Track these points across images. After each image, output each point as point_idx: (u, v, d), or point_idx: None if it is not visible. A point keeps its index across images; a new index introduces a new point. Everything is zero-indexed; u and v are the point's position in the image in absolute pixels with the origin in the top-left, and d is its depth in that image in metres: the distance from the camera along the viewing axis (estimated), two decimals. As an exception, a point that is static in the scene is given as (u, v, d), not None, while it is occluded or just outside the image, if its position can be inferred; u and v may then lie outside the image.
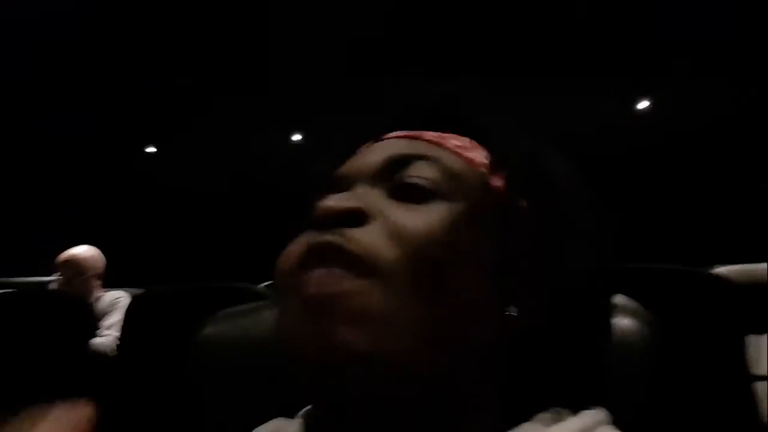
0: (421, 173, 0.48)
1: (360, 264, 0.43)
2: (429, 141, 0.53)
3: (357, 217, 0.45)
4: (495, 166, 0.51)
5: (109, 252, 3.24)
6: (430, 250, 0.43)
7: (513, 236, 0.48)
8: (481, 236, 0.47)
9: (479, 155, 0.52)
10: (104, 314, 2.90)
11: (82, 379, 2.10)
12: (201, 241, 7.69)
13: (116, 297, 3.04)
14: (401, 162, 0.50)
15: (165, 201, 7.95)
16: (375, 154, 0.52)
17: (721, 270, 2.01)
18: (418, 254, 0.43)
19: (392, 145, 0.53)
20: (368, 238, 0.44)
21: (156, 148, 7.43)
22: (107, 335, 2.67)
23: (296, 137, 7.11)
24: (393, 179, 0.49)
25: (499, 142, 0.54)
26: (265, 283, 2.62)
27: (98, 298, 3.02)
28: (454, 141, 0.53)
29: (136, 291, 3.30)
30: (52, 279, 3.39)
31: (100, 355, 2.38)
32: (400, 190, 0.48)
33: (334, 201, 0.45)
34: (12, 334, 1.79)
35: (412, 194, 0.48)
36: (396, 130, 0.56)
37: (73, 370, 2.01)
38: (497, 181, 0.51)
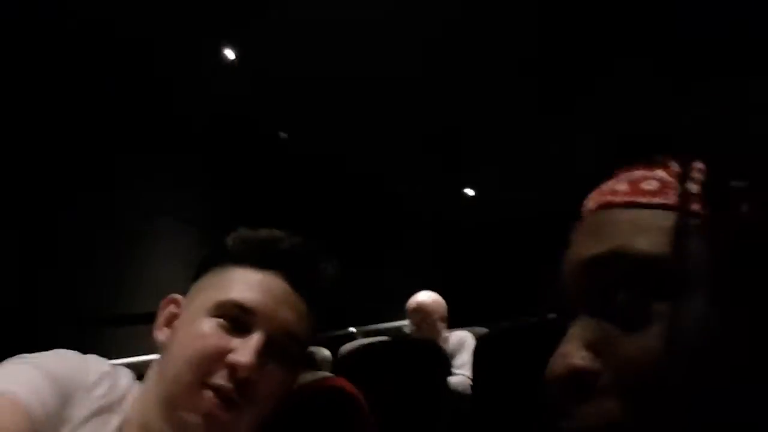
0: (626, 294, 0.45)
1: None
2: (622, 205, 0.49)
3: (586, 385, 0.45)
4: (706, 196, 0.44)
5: (446, 292, 3.49)
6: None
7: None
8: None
9: (672, 187, 0.47)
10: (453, 355, 3.10)
11: (444, 421, 2.25)
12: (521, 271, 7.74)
13: (462, 337, 3.23)
14: (599, 271, 0.47)
15: (488, 236, 8.24)
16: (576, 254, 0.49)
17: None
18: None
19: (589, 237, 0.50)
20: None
21: (474, 191, 7.82)
22: (460, 375, 2.85)
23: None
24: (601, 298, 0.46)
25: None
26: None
27: (445, 339, 3.24)
28: (645, 185, 0.49)
29: (479, 329, 3.46)
30: (404, 324, 3.74)
31: (457, 395, 2.55)
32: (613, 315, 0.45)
33: (560, 363, 0.46)
34: (390, 380, 2.00)
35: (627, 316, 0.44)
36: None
37: (437, 412, 2.16)
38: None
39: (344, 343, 3.73)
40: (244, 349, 0.76)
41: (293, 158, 6.44)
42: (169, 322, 0.86)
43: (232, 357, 0.76)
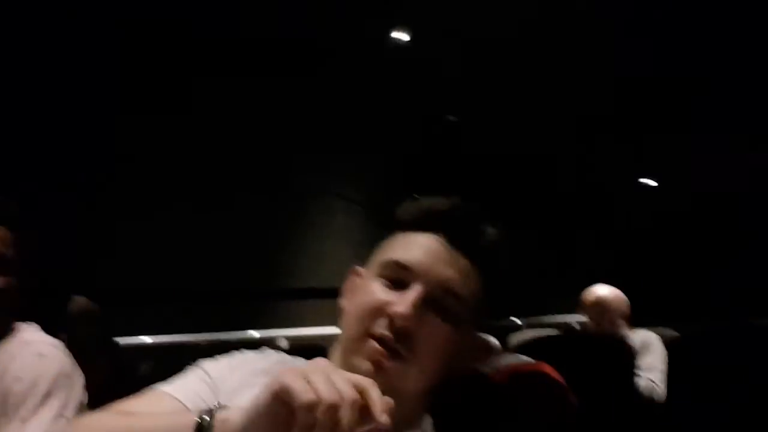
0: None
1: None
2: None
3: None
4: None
5: (629, 289, 3.22)
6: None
7: None
8: None
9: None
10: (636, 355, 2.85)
11: (631, 423, 2.06)
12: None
13: (646, 337, 2.96)
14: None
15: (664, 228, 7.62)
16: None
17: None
18: None
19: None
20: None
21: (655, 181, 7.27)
22: (646, 378, 2.60)
23: None
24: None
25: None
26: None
27: (627, 338, 3.00)
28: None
29: (664, 330, 3.16)
30: (579, 319, 3.52)
31: (646, 398, 2.32)
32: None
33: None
34: (571, 377, 1.85)
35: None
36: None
37: (624, 416, 1.98)
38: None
39: (509, 334, 3.61)
40: (402, 301, 0.82)
41: (463, 141, 6.36)
42: (351, 291, 0.95)
43: (391, 308, 0.83)
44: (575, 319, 4.49)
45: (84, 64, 4.98)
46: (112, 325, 3.00)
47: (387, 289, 0.86)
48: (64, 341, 1.41)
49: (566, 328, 4.66)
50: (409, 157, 6.49)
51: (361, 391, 0.58)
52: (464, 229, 0.89)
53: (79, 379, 1.37)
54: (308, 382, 0.57)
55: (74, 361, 1.39)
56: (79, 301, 2.68)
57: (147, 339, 5.70)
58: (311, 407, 0.56)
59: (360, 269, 0.95)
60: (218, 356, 0.95)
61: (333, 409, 0.56)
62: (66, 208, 5.02)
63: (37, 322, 1.44)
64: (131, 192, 5.47)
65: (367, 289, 0.88)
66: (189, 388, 0.87)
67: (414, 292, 0.83)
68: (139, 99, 5.18)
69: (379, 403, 0.58)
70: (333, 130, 6.13)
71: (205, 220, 5.76)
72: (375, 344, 0.82)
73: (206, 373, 0.90)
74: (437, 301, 0.84)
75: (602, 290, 3.12)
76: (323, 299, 5.66)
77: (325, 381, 0.57)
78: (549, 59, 5.32)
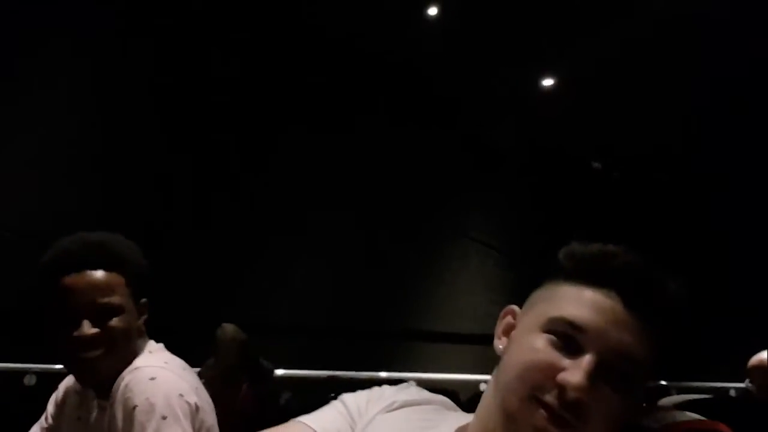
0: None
1: None
2: None
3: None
4: None
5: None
6: None
7: None
8: None
9: None
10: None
11: None
12: None
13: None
14: None
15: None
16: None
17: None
18: None
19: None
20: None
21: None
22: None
23: None
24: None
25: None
26: None
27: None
28: None
29: None
30: (740, 386, 3.20)
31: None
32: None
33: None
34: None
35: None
36: None
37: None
38: None
39: (654, 396, 3.32)
40: (575, 370, 0.76)
41: (606, 188, 6.09)
42: (507, 332, 0.88)
43: (563, 376, 0.77)
44: (726, 385, 4.12)
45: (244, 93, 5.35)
46: (257, 353, 3.10)
47: (554, 349, 0.79)
48: (211, 367, 1.41)
49: (721, 393, 4.23)
50: (549, 202, 6.31)
51: None
52: (644, 288, 0.80)
53: (204, 403, 1.34)
54: None
55: (199, 383, 1.38)
56: (228, 329, 2.78)
57: (280, 371, 5.86)
58: None
59: (517, 311, 0.88)
60: (359, 391, 0.96)
61: None
62: (209, 244, 5.34)
63: (182, 349, 1.45)
64: (274, 231, 5.72)
65: (533, 344, 0.81)
66: (327, 420, 0.90)
67: (589, 360, 0.76)
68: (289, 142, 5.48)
69: None
70: (467, 175, 6.12)
71: (345, 259, 5.90)
72: (544, 413, 0.77)
73: (345, 406, 0.92)
74: (612, 368, 0.78)
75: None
76: (454, 344, 5.58)
77: None
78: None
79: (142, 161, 5.13)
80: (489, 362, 0.89)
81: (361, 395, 0.94)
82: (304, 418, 0.90)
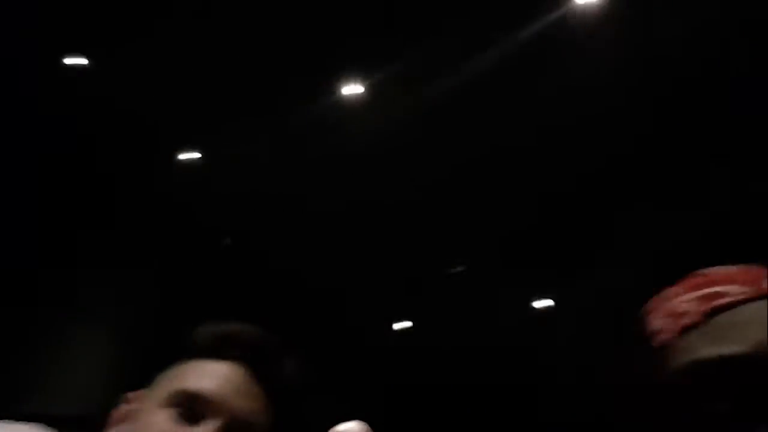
0: None
1: None
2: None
3: None
4: None
5: None
6: None
7: None
8: None
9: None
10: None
11: None
12: None
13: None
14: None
15: None
16: None
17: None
18: None
19: None
20: None
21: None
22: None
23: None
24: None
25: None
26: None
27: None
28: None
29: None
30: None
31: None
32: None
33: None
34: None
35: None
36: None
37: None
38: None
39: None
40: None
41: (231, 264, 6.21)
42: (122, 420, 0.86)
43: None
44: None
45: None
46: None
47: (176, 423, 0.78)
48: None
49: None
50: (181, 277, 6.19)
51: None
52: (265, 360, 0.85)
53: None
54: None
55: None
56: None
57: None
58: None
59: (133, 396, 0.86)
60: None
61: None
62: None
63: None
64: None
65: (152, 421, 0.78)
66: None
67: (212, 428, 0.77)
68: None
69: None
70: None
71: None
72: None
73: None
74: None
75: None
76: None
77: None
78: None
79: None
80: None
81: None
82: None
